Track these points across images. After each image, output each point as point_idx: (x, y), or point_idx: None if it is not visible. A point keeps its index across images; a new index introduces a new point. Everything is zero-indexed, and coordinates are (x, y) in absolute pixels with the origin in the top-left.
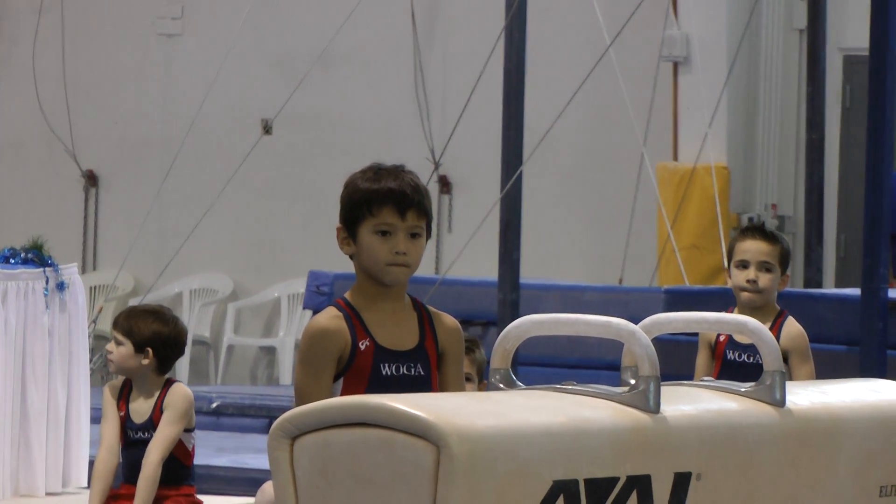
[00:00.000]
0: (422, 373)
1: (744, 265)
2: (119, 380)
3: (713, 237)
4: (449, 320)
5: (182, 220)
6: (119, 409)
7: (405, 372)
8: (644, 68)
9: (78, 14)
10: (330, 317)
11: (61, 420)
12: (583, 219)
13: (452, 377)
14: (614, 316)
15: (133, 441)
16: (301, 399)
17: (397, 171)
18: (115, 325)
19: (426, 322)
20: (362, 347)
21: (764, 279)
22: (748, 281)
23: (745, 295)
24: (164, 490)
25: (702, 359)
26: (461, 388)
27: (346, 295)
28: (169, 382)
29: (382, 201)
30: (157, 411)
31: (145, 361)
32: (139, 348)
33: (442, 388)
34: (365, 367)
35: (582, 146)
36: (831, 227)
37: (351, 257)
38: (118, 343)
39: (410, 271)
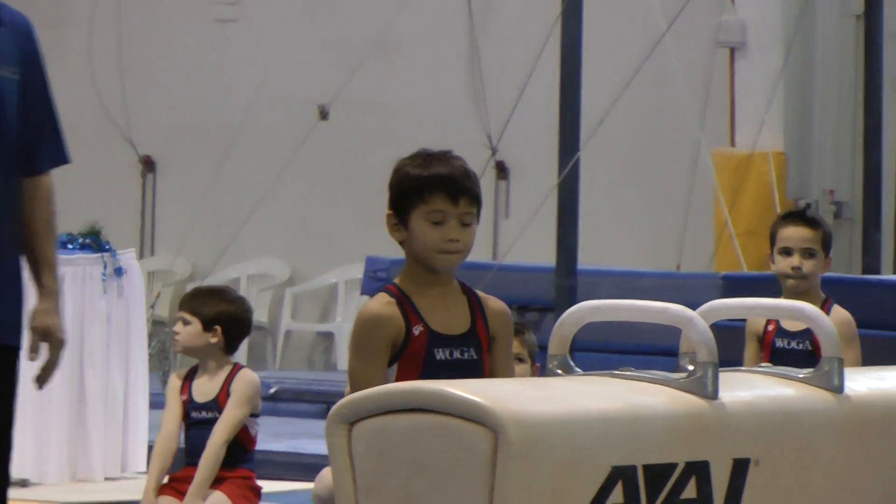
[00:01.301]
0: (474, 356)
1: (787, 252)
2: (186, 368)
3: (770, 223)
4: (497, 304)
5: (239, 206)
6: (182, 392)
7: (458, 356)
8: (700, 54)
9: (135, 0)
10: (382, 303)
11: (119, 405)
12: (639, 205)
13: (502, 360)
14: (671, 302)
15: (195, 421)
16: (355, 385)
17: (447, 157)
18: (182, 305)
19: (476, 306)
20: (416, 333)
21: (808, 265)
22: (793, 268)
23: (790, 282)
24: (223, 471)
25: (750, 351)
26: (511, 372)
27: (397, 280)
28: (237, 367)
29: (434, 188)
30: (224, 393)
31: (213, 340)
32: (207, 327)
33: (492, 372)
34: (419, 352)
35: (638, 132)
36: (889, 213)
37: (401, 243)
38: (185, 322)
39: (462, 257)
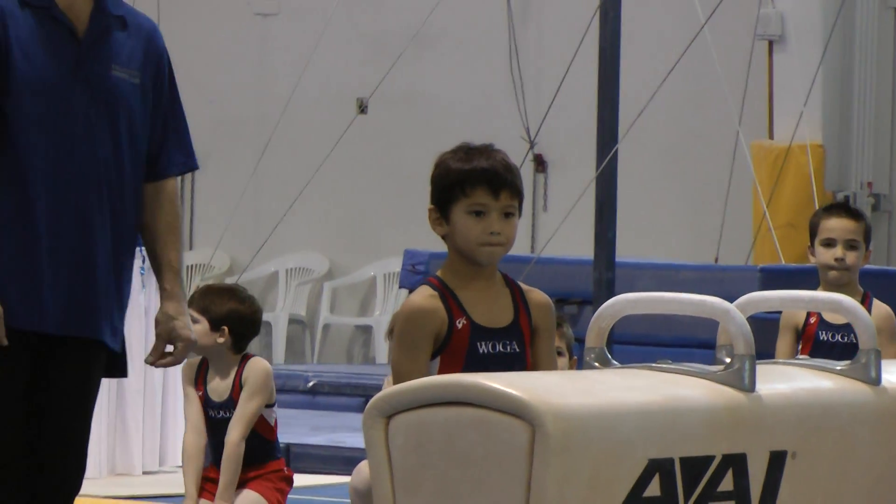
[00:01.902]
0: (517, 349)
1: (830, 243)
2: (195, 359)
3: (808, 216)
4: (541, 296)
5: (278, 200)
6: (197, 388)
7: (501, 349)
8: (739, 47)
9: None
10: (425, 296)
11: (157, 399)
12: (678, 197)
13: (545, 353)
14: (709, 294)
15: (215, 421)
16: (398, 378)
17: (488, 151)
18: (191, 302)
19: (519, 299)
20: (459, 326)
21: (851, 256)
22: (836, 259)
23: (832, 273)
24: (252, 470)
25: (784, 343)
26: (554, 364)
27: (439, 273)
28: (246, 358)
29: (476, 181)
30: (237, 388)
31: (221, 340)
32: (215, 326)
33: (535, 365)
34: (462, 345)
35: (677, 125)
36: None
37: (443, 237)
38: (193, 321)
39: (504, 250)
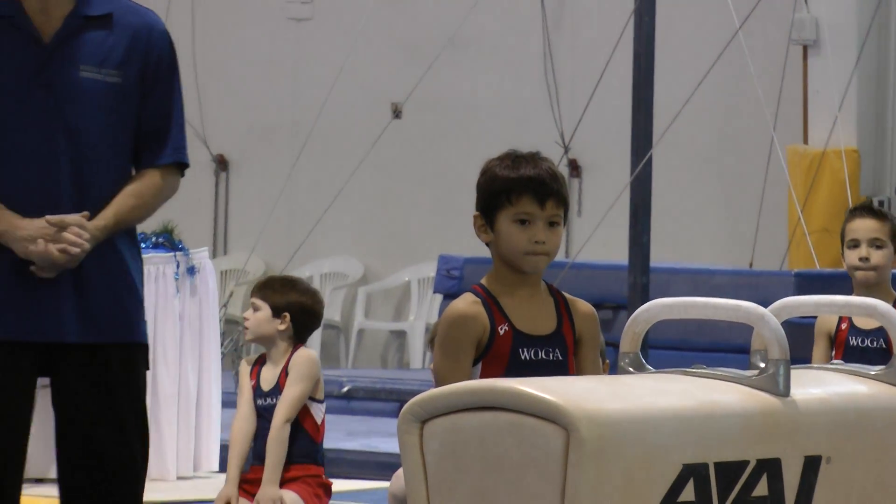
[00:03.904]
0: (560, 357)
1: (855, 244)
2: (255, 355)
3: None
4: (585, 306)
5: (312, 205)
6: (251, 377)
7: (543, 357)
8: (774, 52)
9: None
10: (468, 302)
11: (192, 404)
12: (713, 202)
13: (590, 362)
14: (744, 299)
15: (262, 409)
16: (440, 383)
17: (535, 159)
18: (254, 291)
19: (563, 307)
20: (501, 332)
21: (876, 256)
22: (860, 259)
23: (859, 274)
24: (294, 468)
25: (819, 350)
26: (598, 373)
27: (483, 281)
28: (296, 348)
29: (522, 190)
30: (283, 375)
31: (282, 327)
32: (276, 313)
33: (579, 373)
34: (503, 351)
35: (711, 129)
36: None
37: (488, 244)
38: (255, 309)
39: (549, 259)
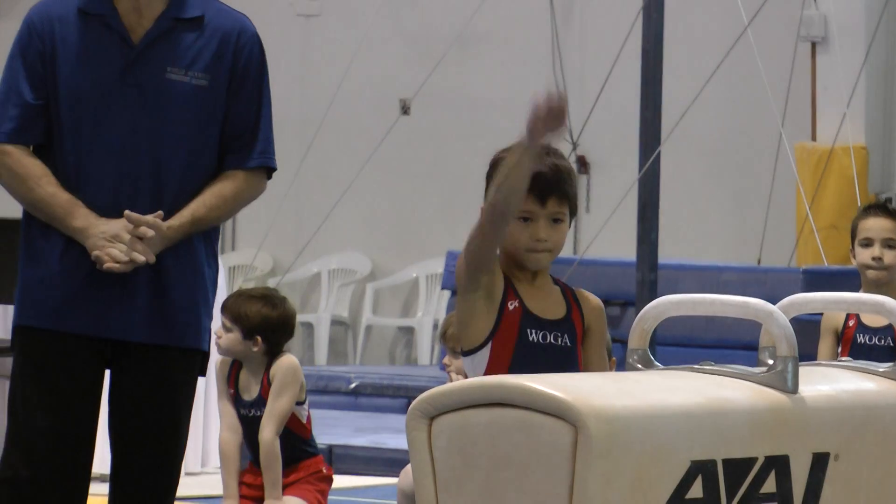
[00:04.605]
0: (568, 343)
1: (868, 243)
2: (228, 358)
3: (851, 217)
4: (593, 298)
5: (320, 200)
6: (229, 386)
7: (552, 341)
8: (782, 48)
9: None
10: None
11: (200, 400)
12: (721, 199)
13: (597, 354)
14: (752, 296)
15: (247, 420)
16: (459, 318)
17: (542, 154)
18: (224, 309)
19: (570, 297)
20: (510, 308)
21: (889, 255)
22: (874, 258)
23: (871, 273)
24: (290, 472)
25: (825, 346)
26: (604, 366)
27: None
28: (274, 356)
29: None
30: (265, 386)
31: (255, 349)
32: (248, 335)
33: (586, 365)
34: (512, 329)
35: (720, 126)
36: None
37: None
38: (227, 329)
39: (552, 256)
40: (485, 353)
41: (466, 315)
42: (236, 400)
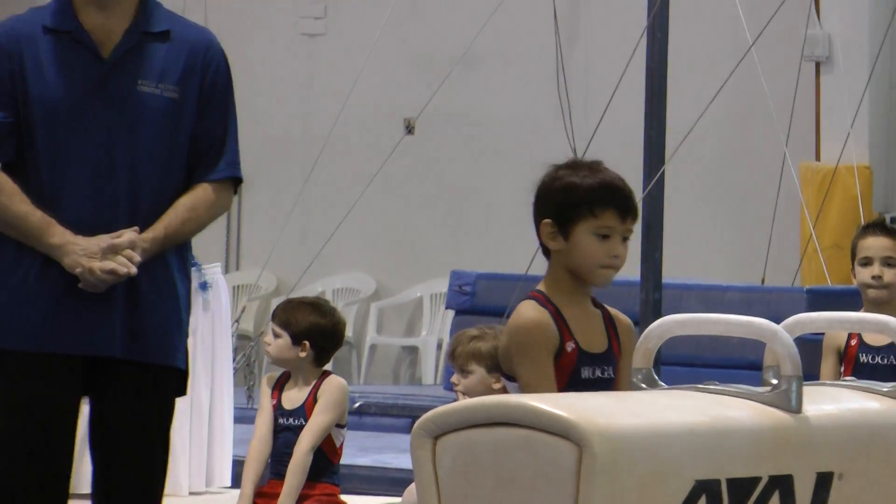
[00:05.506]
0: (611, 375)
1: (867, 262)
2: (277, 372)
3: None
4: (625, 319)
5: (325, 220)
6: (273, 396)
7: (600, 374)
8: (786, 68)
9: (221, 13)
10: (538, 310)
11: (205, 419)
12: (725, 218)
13: (626, 376)
14: (756, 316)
15: (281, 428)
16: (534, 391)
17: (608, 170)
18: (274, 316)
19: (608, 322)
20: (569, 349)
21: (889, 274)
22: (873, 277)
23: (871, 292)
24: (307, 489)
25: (828, 366)
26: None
27: (543, 289)
28: (325, 374)
29: (607, 203)
30: (311, 400)
31: (303, 354)
32: (297, 340)
33: (619, 385)
34: (567, 368)
35: (724, 146)
36: None
37: (553, 252)
38: (276, 335)
39: (616, 273)
40: None
41: (508, 355)
42: (277, 407)
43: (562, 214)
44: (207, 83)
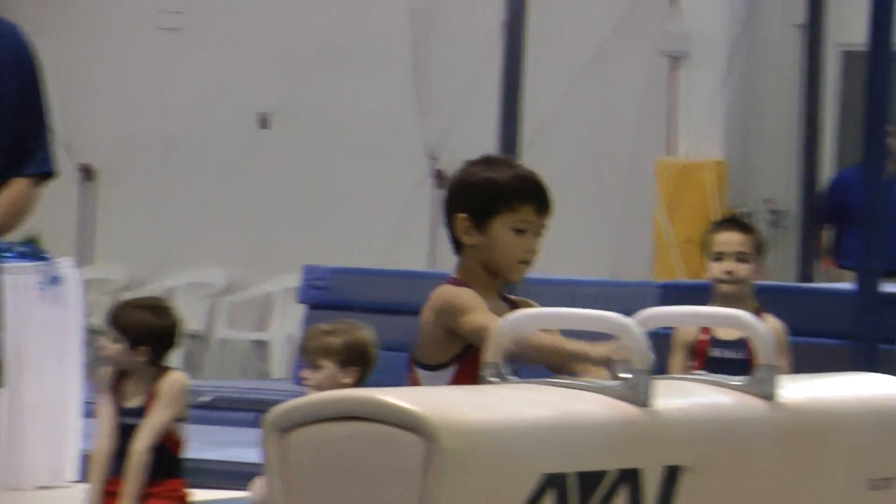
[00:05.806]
0: None
1: (720, 257)
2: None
3: None
4: (529, 304)
5: (179, 214)
6: (111, 393)
7: None
8: (643, 63)
9: (79, 7)
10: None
11: (53, 413)
12: (579, 213)
13: None
14: (610, 310)
15: (123, 427)
16: (489, 333)
17: (522, 165)
18: (110, 320)
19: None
20: None
21: (741, 269)
22: (725, 272)
23: (723, 287)
24: (151, 486)
25: (676, 360)
26: None
27: (460, 277)
28: (165, 370)
29: (525, 198)
30: (150, 398)
31: (141, 358)
32: (134, 345)
33: None
34: (479, 359)
35: (580, 140)
36: None
37: (468, 247)
38: (114, 340)
39: (529, 268)
40: (448, 372)
41: (432, 339)
42: (118, 406)
43: (479, 209)
44: (23, 80)
